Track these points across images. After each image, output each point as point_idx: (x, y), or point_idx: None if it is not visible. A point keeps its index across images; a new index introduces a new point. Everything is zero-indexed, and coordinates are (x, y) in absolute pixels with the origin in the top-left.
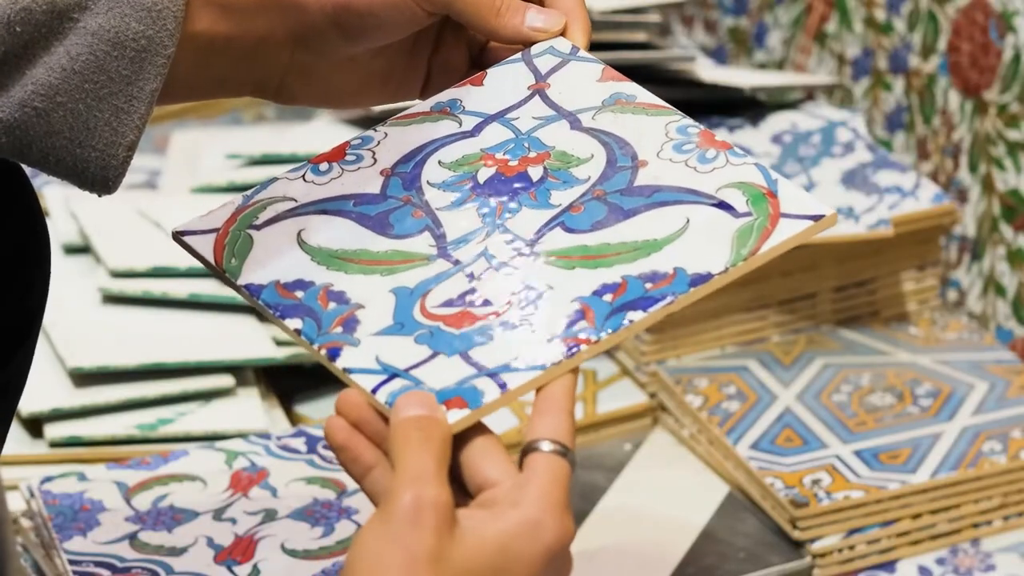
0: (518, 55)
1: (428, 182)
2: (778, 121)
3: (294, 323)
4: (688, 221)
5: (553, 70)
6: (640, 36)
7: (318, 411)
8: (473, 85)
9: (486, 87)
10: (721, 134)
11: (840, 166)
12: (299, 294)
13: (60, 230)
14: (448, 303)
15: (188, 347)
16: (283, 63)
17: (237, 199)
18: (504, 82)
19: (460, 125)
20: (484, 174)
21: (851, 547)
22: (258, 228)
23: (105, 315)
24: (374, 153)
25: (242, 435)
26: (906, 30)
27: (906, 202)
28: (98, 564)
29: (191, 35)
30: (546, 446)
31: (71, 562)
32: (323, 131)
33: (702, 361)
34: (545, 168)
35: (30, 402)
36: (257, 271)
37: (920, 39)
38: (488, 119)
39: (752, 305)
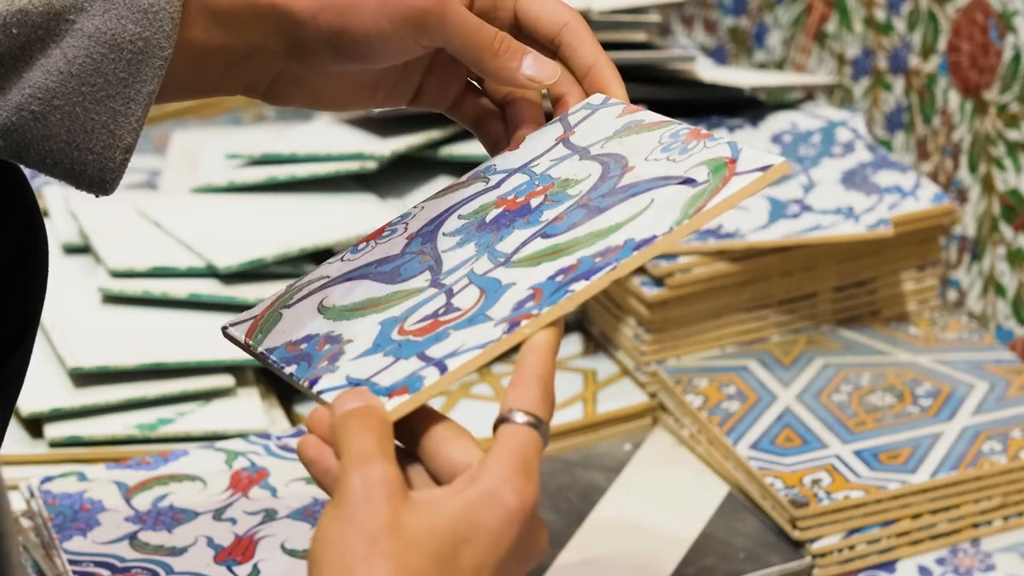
0: (557, 119)
1: (443, 233)
2: (778, 121)
3: (290, 368)
4: (652, 200)
5: (581, 121)
6: (640, 36)
7: None
8: (510, 150)
9: (520, 149)
10: (721, 134)
11: (840, 166)
12: (303, 346)
13: (60, 230)
14: (423, 319)
15: (188, 347)
16: (275, 69)
17: (282, 290)
18: (536, 140)
19: (487, 183)
20: (492, 215)
21: (851, 547)
22: (290, 306)
23: (105, 315)
24: (407, 225)
25: (242, 435)
26: (906, 30)
27: (906, 202)
28: (98, 564)
29: (186, 40)
30: (516, 417)
31: (71, 562)
32: (323, 131)
33: (702, 361)
34: (546, 196)
35: (30, 402)
36: (275, 338)
37: (920, 39)
38: (512, 172)
39: (752, 305)
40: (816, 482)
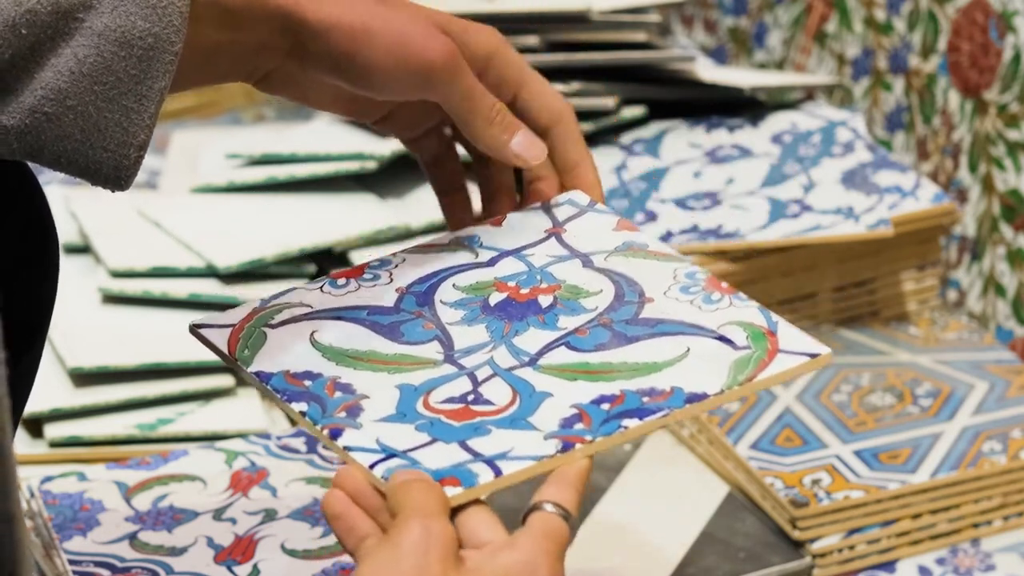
0: (538, 204)
1: (441, 301)
2: (778, 121)
3: (300, 406)
4: (689, 350)
5: (570, 218)
6: (640, 36)
7: None
8: (493, 225)
9: (504, 228)
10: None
11: (840, 166)
12: (307, 383)
13: (60, 230)
14: (450, 400)
15: (188, 347)
16: (275, 64)
17: (255, 301)
18: (522, 224)
19: (476, 256)
20: (495, 298)
21: (851, 547)
22: (273, 327)
23: (105, 315)
24: (391, 274)
25: (242, 435)
26: (906, 30)
27: (906, 202)
28: (98, 564)
29: (195, 35)
30: (548, 507)
31: (71, 562)
32: (323, 131)
33: None
34: (555, 297)
35: (30, 402)
36: (268, 361)
37: (920, 39)
38: (504, 253)
39: None
40: (816, 482)
